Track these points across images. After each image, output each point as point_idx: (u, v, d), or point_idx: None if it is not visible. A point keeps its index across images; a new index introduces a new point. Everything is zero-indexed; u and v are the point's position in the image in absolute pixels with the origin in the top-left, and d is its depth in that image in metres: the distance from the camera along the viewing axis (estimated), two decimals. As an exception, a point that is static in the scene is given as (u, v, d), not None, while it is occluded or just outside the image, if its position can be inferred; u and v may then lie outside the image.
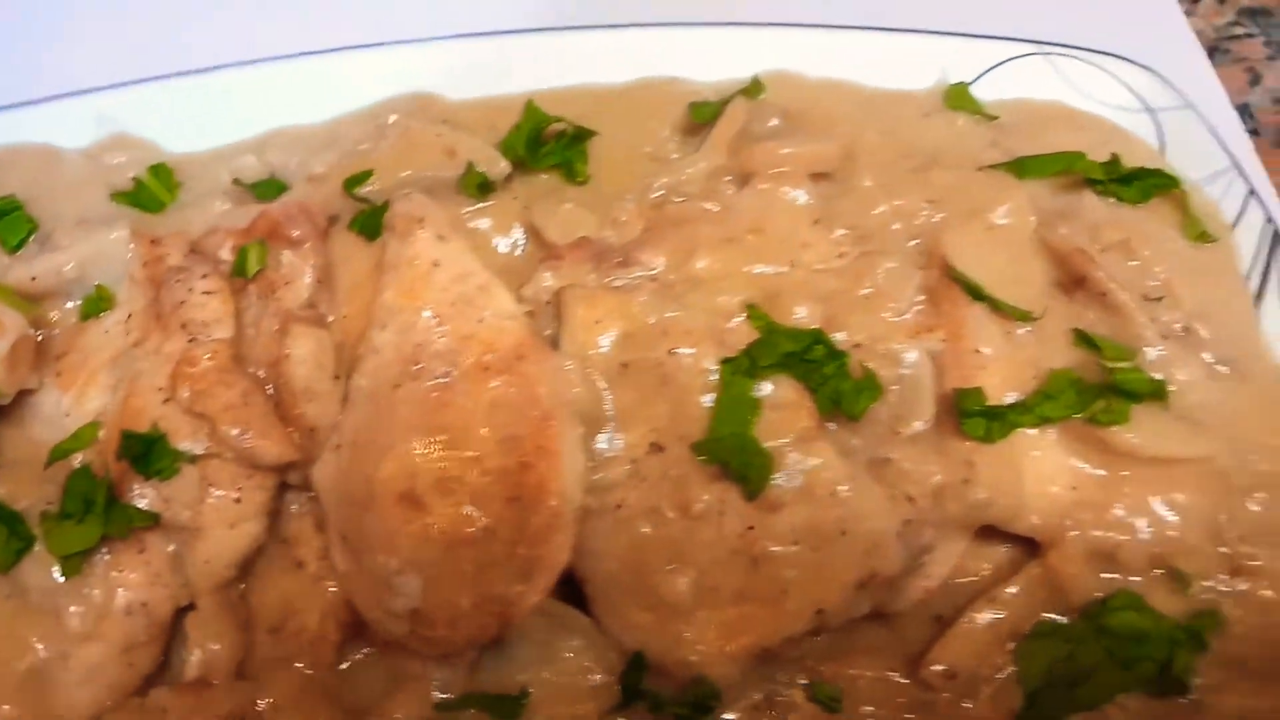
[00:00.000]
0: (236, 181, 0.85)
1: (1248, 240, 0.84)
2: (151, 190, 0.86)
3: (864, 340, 0.71)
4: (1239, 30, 1.13)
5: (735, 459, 0.66)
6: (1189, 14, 1.13)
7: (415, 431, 0.65)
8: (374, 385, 0.68)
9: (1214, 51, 1.11)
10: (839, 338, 0.71)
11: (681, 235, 0.76)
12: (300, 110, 0.90)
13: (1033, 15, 1.01)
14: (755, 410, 0.67)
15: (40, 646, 0.66)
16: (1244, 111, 1.07)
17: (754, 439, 0.66)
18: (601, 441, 0.68)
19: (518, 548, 0.63)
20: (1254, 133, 1.06)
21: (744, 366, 0.67)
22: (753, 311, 0.70)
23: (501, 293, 0.69)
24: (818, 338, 0.68)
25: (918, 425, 0.70)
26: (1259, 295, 0.83)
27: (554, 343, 0.71)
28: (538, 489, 0.64)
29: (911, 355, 0.71)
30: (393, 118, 0.88)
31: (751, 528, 0.67)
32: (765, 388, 0.68)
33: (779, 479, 0.66)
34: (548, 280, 0.74)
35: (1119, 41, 0.98)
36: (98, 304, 0.79)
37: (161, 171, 0.86)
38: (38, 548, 0.67)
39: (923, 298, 0.74)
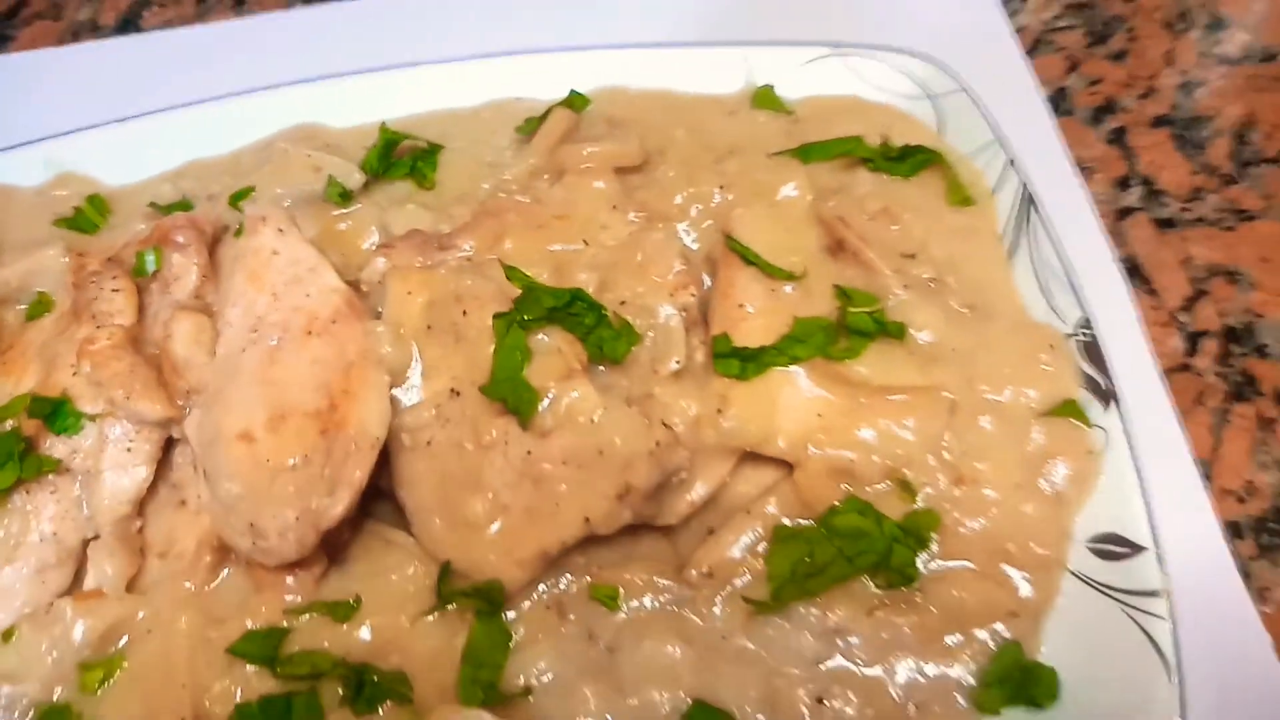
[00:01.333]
0: (153, 204, 1.04)
1: (1006, 203, 0.96)
2: (88, 216, 1.05)
3: (629, 298, 0.85)
4: (1062, 23, 1.24)
5: (510, 396, 0.80)
6: (1017, 11, 1.25)
7: (254, 384, 0.81)
8: (227, 352, 0.84)
9: (1038, 43, 1.23)
10: (610, 298, 0.85)
11: (495, 223, 0.91)
12: (211, 145, 1.09)
13: (857, 19, 1.14)
14: (526, 356, 0.81)
15: (-29, 568, 0.83)
16: (1061, 95, 1.18)
17: (524, 379, 0.80)
18: (412, 391, 0.83)
19: (325, 469, 0.78)
20: (1069, 113, 1.17)
21: (514, 320, 0.81)
22: (511, 272, 0.84)
23: (328, 272, 0.85)
24: (577, 294, 0.82)
25: (673, 364, 0.83)
26: (1013, 250, 0.94)
27: (375, 315, 0.87)
28: (341, 423, 0.79)
29: (667, 309, 0.85)
30: (282, 147, 1.06)
31: (530, 453, 0.80)
32: (541, 338, 0.82)
33: (547, 411, 0.80)
34: (380, 265, 0.90)
35: (942, 39, 1.11)
36: (40, 308, 0.98)
37: (96, 200, 1.06)
38: (-31, 488, 0.84)
39: (680, 263, 0.87)
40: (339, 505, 0.78)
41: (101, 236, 1.04)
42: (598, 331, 0.82)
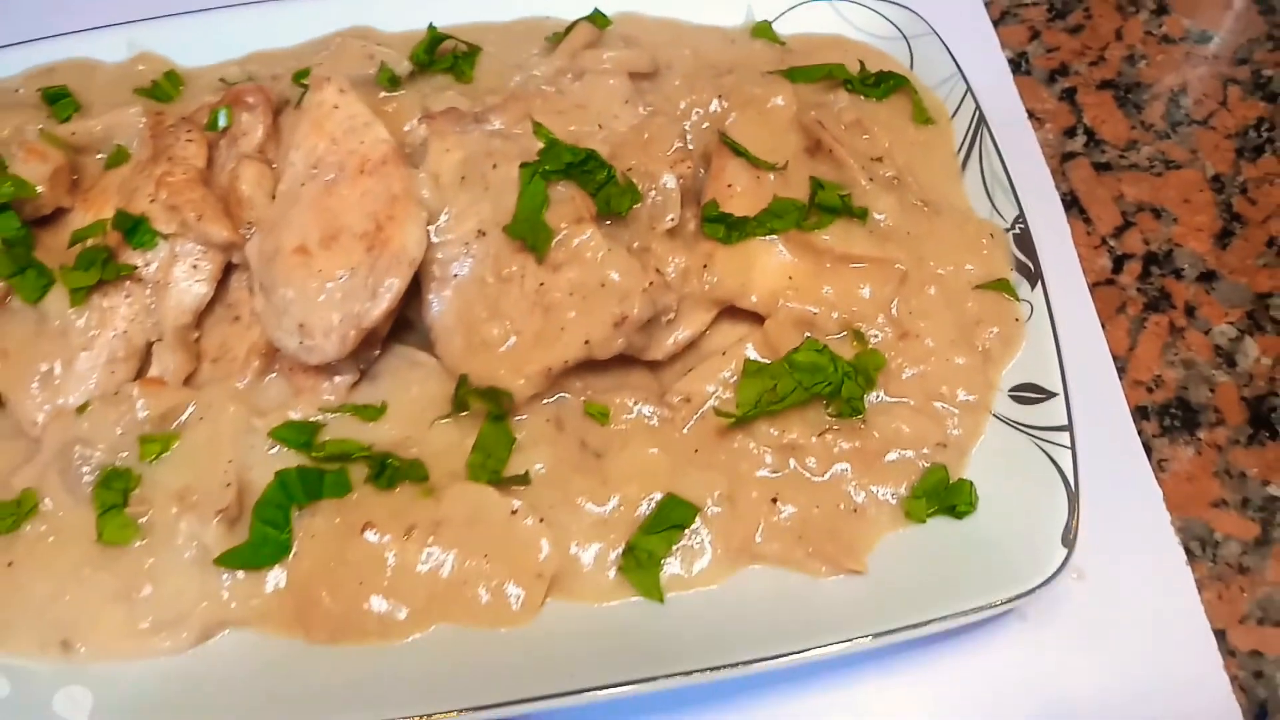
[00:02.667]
0: (222, 80, 1.18)
1: (961, 124, 1.11)
2: (164, 88, 1.19)
3: (635, 165, 1.00)
4: (1027, 0, 1.41)
5: (529, 235, 0.94)
6: (989, -8, 1.42)
7: (311, 210, 0.95)
8: (288, 187, 0.98)
9: (1005, 15, 1.39)
10: (618, 165, 1.00)
11: (522, 105, 1.06)
12: (274, 39, 1.23)
13: None
14: (545, 201, 0.95)
15: (54, 355, 0.96)
16: (1022, 58, 1.34)
17: (542, 220, 0.94)
18: (444, 231, 0.97)
19: (369, 279, 0.92)
20: (1028, 73, 1.33)
21: (537, 169, 0.95)
22: (538, 129, 0.99)
23: (379, 126, 0.99)
24: (591, 154, 0.96)
25: (669, 220, 0.97)
26: (964, 164, 1.09)
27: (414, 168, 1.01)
28: (385, 242, 0.93)
29: (667, 178, 0.99)
30: (337, 41, 1.21)
31: (542, 284, 0.94)
32: (558, 190, 0.96)
33: (559, 248, 0.94)
34: (422, 131, 1.04)
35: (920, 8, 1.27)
36: (118, 158, 1.11)
37: (172, 75, 1.20)
38: (57, 287, 0.97)
39: (679, 143, 1.02)
40: (378, 308, 0.91)
41: (175, 105, 1.18)
42: (606, 188, 0.96)
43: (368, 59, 1.15)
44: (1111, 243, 1.16)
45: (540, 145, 1.00)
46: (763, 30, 1.21)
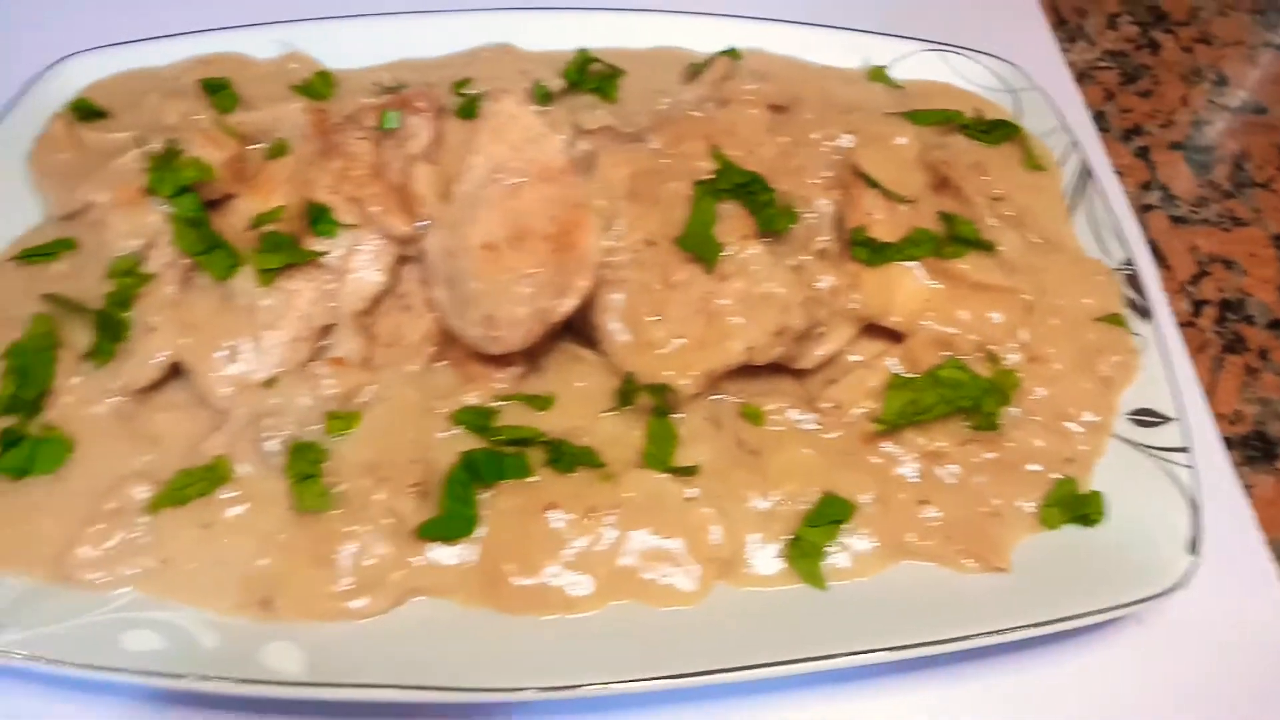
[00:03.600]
0: (376, 84, 1.25)
1: (1069, 173, 1.22)
2: (317, 87, 1.25)
3: (789, 190, 1.08)
4: (1101, 64, 1.53)
5: (699, 248, 1.02)
6: (1068, 50, 1.54)
7: (497, 210, 1.02)
8: (469, 188, 1.04)
9: (1082, 76, 1.51)
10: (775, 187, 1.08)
11: (675, 128, 1.14)
12: (419, 49, 1.30)
13: (947, 26, 1.41)
14: (714, 218, 1.03)
15: (240, 331, 1.01)
16: (1100, 116, 1.46)
17: (712, 235, 1.02)
18: (614, 239, 1.04)
19: (556, 277, 0.99)
20: (1106, 130, 1.45)
21: (709, 188, 1.03)
22: (715, 153, 1.07)
23: (554, 138, 1.06)
24: (756, 178, 1.05)
25: (822, 242, 1.06)
26: (1073, 207, 1.20)
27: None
28: (570, 246, 0.99)
29: (821, 201, 1.08)
30: (486, 55, 1.28)
31: (709, 293, 1.02)
32: (725, 208, 1.04)
33: (726, 262, 1.02)
34: (584, 146, 1.12)
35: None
36: (278, 150, 1.16)
37: (325, 76, 1.26)
38: (244, 267, 1.02)
39: (831, 173, 1.11)
40: (566, 306, 0.98)
41: (329, 104, 1.23)
42: (767, 209, 1.05)
43: (520, 74, 1.22)
44: (1190, 289, 1.28)
45: (702, 167, 1.08)
46: (879, 74, 1.31)
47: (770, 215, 1.05)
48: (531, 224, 1.01)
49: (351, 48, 1.29)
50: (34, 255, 1.08)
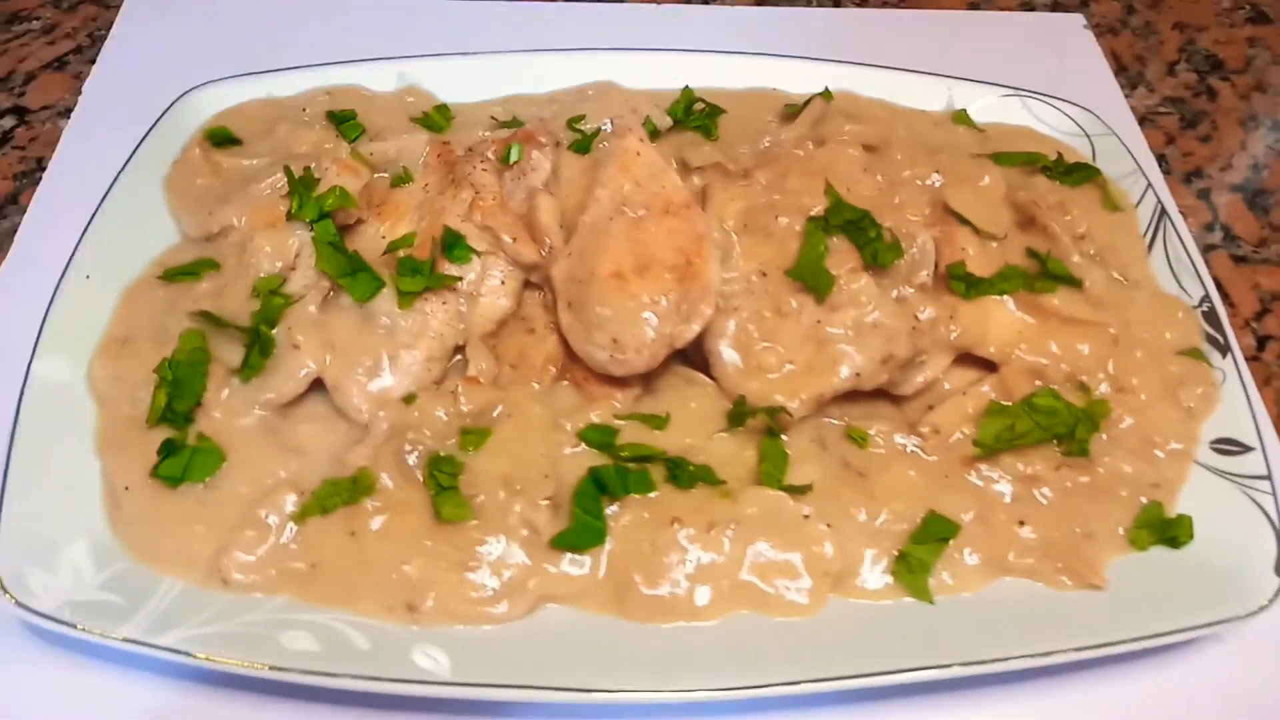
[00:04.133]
0: (493, 118, 1.32)
1: (1144, 214, 1.29)
2: (435, 119, 1.32)
3: (893, 225, 1.15)
4: (1161, 110, 1.61)
5: (811, 279, 1.09)
6: (1128, 96, 1.61)
7: (623, 241, 1.08)
8: (595, 219, 1.11)
9: (1143, 121, 1.58)
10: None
11: (779, 166, 1.21)
12: (528, 85, 1.38)
13: (1017, 71, 1.48)
14: (825, 251, 1.10)
15: (382, 350, 1.07)
16: (1162, 159, 1.53)
17: (824, 268, 1.09)
18: (729, 269, 1.11)
19: (682, 305, 1.05)
20: (1168, 172, 1.52)
21: (821, 224, 1.10)
22: (828, 189, 1.14)
23: (674, 174, 1.13)
24: (866, 214, 1.12)
25: (923, 275, 1.12)
26: (1150, 246, 1.26)
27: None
28: (695, 275, 1.06)
29: (922, 236, 1.15)
30: (591, 92, 1.35)
31: (819, 321, 1.09)
32: (834, 241, 1.11)
33: (837, 293, 1.09)
34: (696, 182, 1.19)
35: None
36: (401, 179, 1.24)
37: (443, 109, 1.33)
38: (386, 289, 1.09)
39: (929, 211, 1.18)
40: (692, 330, 1.05)
41: (448, 135, 1.30)
42: (874, 243, 1.12)
43: (630, 111, 1.29)
44: (1254, 325, 1.34)
45: (808, 203, 1.15)
46: (962, 117, 1.38)
47: (877, 249, 1.11)
48: (656, 254, 1.08)
49: (465, 83, 1.36)
50: (179, 274, 1.14)
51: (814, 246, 1.10)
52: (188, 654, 0.89)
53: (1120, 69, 1.66)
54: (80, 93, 1.48)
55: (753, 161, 1.24)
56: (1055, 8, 1.75)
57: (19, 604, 0.89)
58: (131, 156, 1.23)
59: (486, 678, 0.91)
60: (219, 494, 1.01)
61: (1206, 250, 1.42)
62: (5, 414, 1.03)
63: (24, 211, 1.34)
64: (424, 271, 1.09)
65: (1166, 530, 1.04)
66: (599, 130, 1.24)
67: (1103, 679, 1.01)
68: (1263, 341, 1.32)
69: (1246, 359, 1.29)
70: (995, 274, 1.15)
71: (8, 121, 1.47)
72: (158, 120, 1.27)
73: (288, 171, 1.15)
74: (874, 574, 1.01)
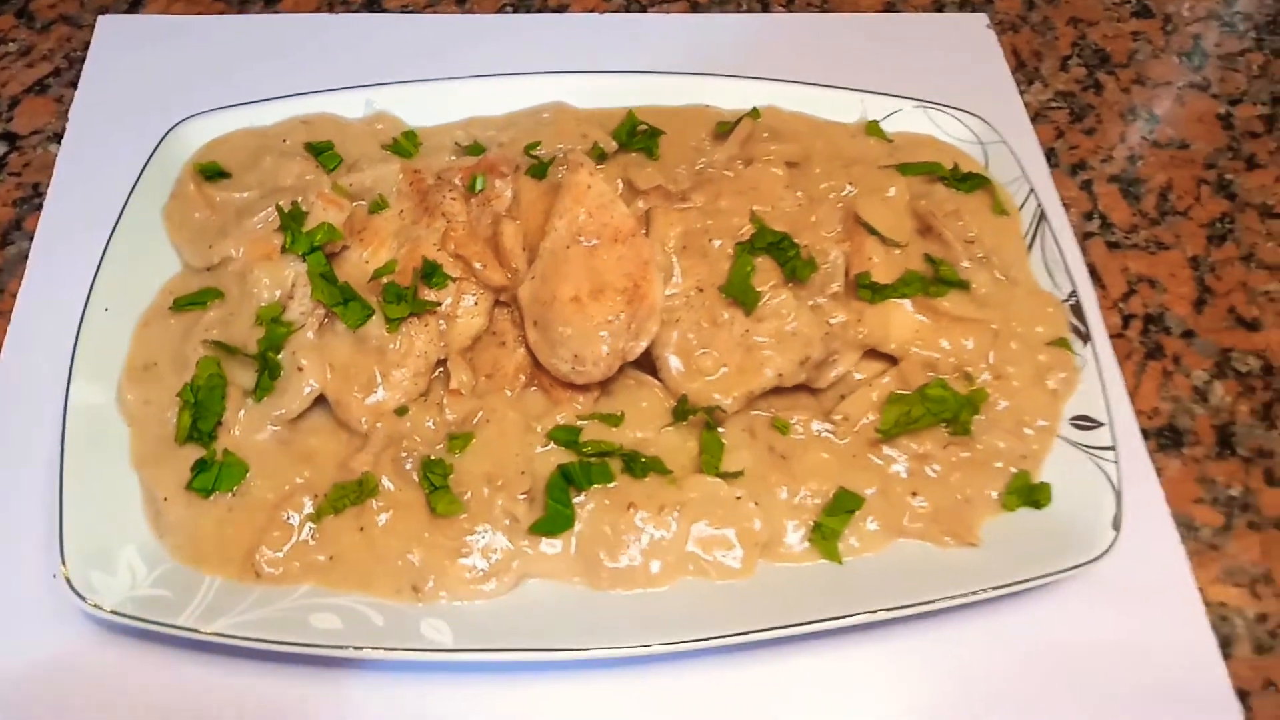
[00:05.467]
0: (457, 144, 1.47)
1: (1027, 216, 1.49)
2: (404, 145, 1.47)
3: (809, 243, 1.34)
4: (1054, 105, 1.80)
5: (740, 295, 1.28)
6: (1024, 92, 1.80)
7: (580, 268, 1.26)
8: (554, 247, 1.29)
9: (1037, 117, 1.78)
10: (798, 241, 1.34)
11: (713, 187, 1.39)
12: (487, 108, 1.53)
13: (924, 95, 1.66)
14: (752, 270, 1.29)
15: (374, 368, 1.25)
16: (1051, 153, 1.73)
17: (751, 285, 1.28)
18: (671, 286, 1.30)
19: (631, 324, 1.24)
20: (1055, 165, 1.72)
21: (748, 247, 1.29)
22: (754, 219, 1.32)
23: (621, 205, 1.31)
24: (786, 237, 1.31)
25: (834, 288, 1.32)
26: (1030, 246, 1.47)
27: (645, 234, 1.33)
28: (641, 298, 1.25)
29: (834, 252, 1.34)
30: (545, 115, 1.51)
31: (747, 331, 1.28)
32: (758, 260, 1.30)
33: (762, 306, 1.28)
34: (640, 205, 1.36)
35: (978, 108, 1.64)
36: (378, 205, 1.39)
37: (410, 135, 1.48)
38: (375, 316, 1.26)
39: (840, 227, 1.38)
40: (641, 345, 1.24)
41: (416, 159, 1.46)
42: (793, 260, 1.31)
43: (581, 136, 1.45)
44: (1121, 305, 1.57)
45: (737, 223, 1.34)
46: (874, 129, 1.56)
47: (796, 266, 1.31)
48: (608, 279, 1.26)
49: (429, 107, 1.50)
50: (188, 304, 1.30)
51: (742, 267, 1.29)
52: (238, 637, 1.08)
53: (1019, 65, 1.84)
54: (64, 116, 1.60)
55: (690, 182, 1.41)
56: (962, 6, 1.92)
57: (93, 604, 1.08)
58: (131, 192, 1.37)
59: (482, 644, 1.11)
60: (246, 500, 1.19)
61: (1086, 238, 1.63)
62: (42, 431, 1.20)
63: (29, 237, 1.47)
64: (407, 298, 1.26)
65: (1031, 495, 1.27)
66: (554, 159, 1.40)
67: (982, 615, 1.25)
68: (1127, 320, 1.55)
69: (1112, 336, 1.53)
70: (897, 280, 1.35)
71: (0, 147, 1.58)
72: (151, 155, 1.40)
73: (279, 210, 1.30)
74: (795, 541, 1.23)
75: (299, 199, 1.34)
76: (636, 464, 1.23)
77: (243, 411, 1.23)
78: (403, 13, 1.79)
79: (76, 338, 1.25)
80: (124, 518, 1.17)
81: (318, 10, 1.78)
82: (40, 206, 1.50)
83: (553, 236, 1.30)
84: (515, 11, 1.81)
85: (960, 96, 1.67)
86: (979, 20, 1.86)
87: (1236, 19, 1.96)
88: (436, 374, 1.29)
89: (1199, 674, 1.24)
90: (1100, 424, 1.31)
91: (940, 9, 1.91)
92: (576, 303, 1.25)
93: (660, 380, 1.30)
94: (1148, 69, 1.87)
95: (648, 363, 1.31)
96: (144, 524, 1.18)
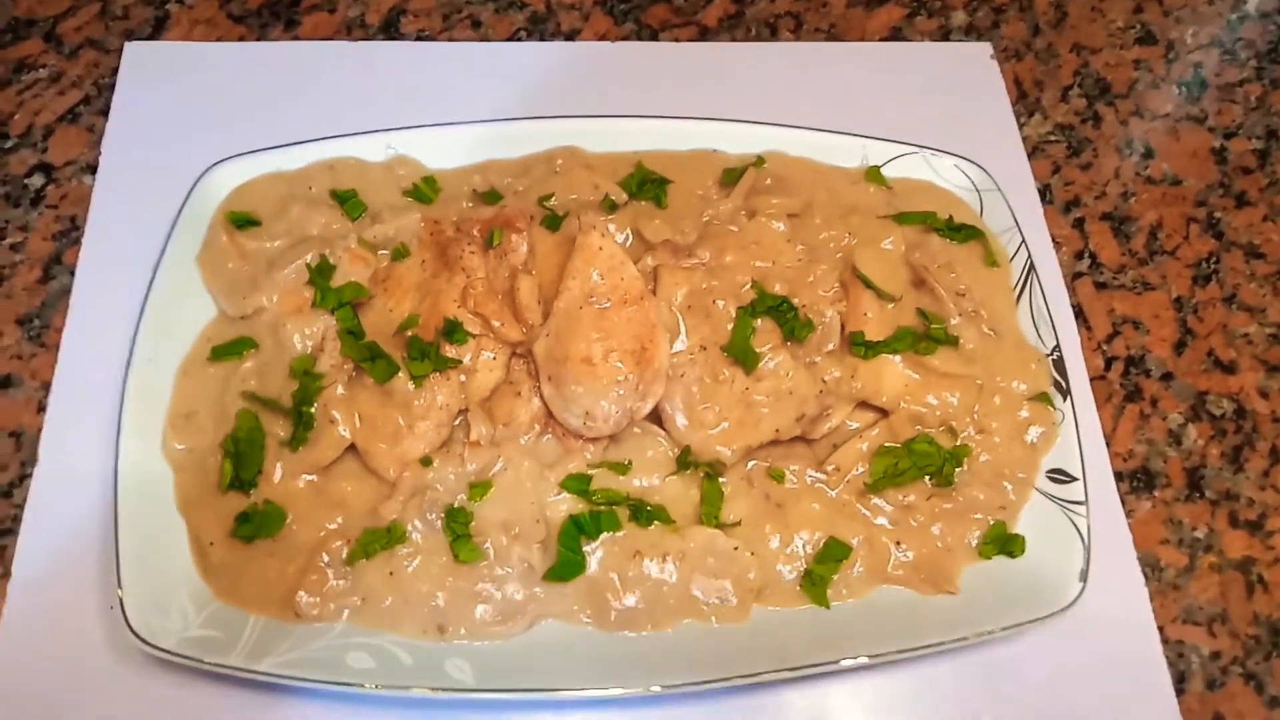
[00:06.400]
0: (474, 190, 1.54)
1: (1017, 268, 1.57)
2: (424, 191, 1.54)
3: (808, 303, 1.42)
4: (1052, 138, 1.85)
5: (741, 356, 1.37)
6: (1024, 124, 1.85)
7: (592, 329, 1.35)
8: (567, 306, 1.37)
9: (1035, 150, 1.83)
10: (795, 301, 1.42)
11: (718, 242, 1.46)
12: (502, 150, 1.59)
13: (927, 128, 1.71)
14: (752, 332, 1.37)
15: (400, 420, 1.35)
16: (1047, 189, 1.80)
17: (751, 347, 1.37)
18: (677, 344, 1.39)
19: (639, 385, 1.33)
20: (1050, 202, 1.78)
21: (749, 311, 1.38)
22: (755, 285, 1.40)
23: (631, 266, 1.38)
24: (785, 300, 1.39)
25: (830, 347, 1.41)
26: (1018, 299, 1.55)
27: (653, 293, 1.41)
28: (649, 360, 1.34)
29: (829, 313, 1.42)
30: (559, 161, 1.57)
31: (747, 389, 1.37)
32: (758, 322, 1.39)
33: (762, 365, 1.37)
34: (649, 261, 1.44)
35: (977, 143, 1.70)
36: (402, 253, 1.47)
37: (429, 180, 1.55)
38: (400, 373, 1.35)
39: (838, 286, 1.45)
40: (648, 405, 1.33)
41: (435, 206, 1.53)
42: (791, 321, 1.39)
43: (593, 187, 1.52)
44: (1104, 347, 1.65)
45: (742, 281, 1.42)
46: (874, 175, 1.62)
47: (793, 326, 1.39)
48: (618, 341, 1.35)
49: (446, 150, 1.56)
50: (225, 354, 1.39)
51: (743, 330, 1.37)
52: (286, 676, 1.20)
53: (1020, 96, 1.89)
54: (97, 146, 1.66)
55: (696, 234, 1.49)
56: (970, 29, 1.96)
57: (155, 647, 1.19)
58: (168, 239, 1.44)
59: (502, 683, 1.23)
60: (285, 545, 1.30)
61: (1075, 278, 1.71)
62: (92, 474, 1.31)
63: (70, 271, 1.55)
64: (430, 355, 1.35)
65: (1006, 545, 1.38)
66: (567, 213, 1.47)
67: (958, 658, 1.37)
68: (1109, 362, 1.64)
69: (1093, 379, 1.61)
70: (890, 336, 1.44)
71: (37, 180, 1.64)
72: (184, 203, 1.47)
73: (309, 268, 1.39)
74: (787, 587, 1.34)
75: (326, 251, 1.42)
76: (642, 513, 1.34)
77: (280, 462, 1.33)
78: (419, 39, 1.83)
79: (123, 390, 1.34)
80: (175, 562, 1.28)
81: (335, 34, 1.83)
82: (78, 240, 1.57)
83: (566, 296, 1.38)
84: (528, 37, 1.85)
85: (959, 131, 1.74)
86: (983, 50, 1.90)
87: (1239, 46, 1.99)
88: (458, 421, 1.39)
89: (1153, 708, 1.36)
90: (1074, 479, 1.41)
91: (947, 35, 1.95)
92: (588, 363, 1.34)
93: (665, 430, 1.40)
94: (1147, 100, 1.91)
95: (655, 415, 1.40)
96: (191, 567, 1.29)
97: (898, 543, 1.37)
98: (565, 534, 1.31)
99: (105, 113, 1.70)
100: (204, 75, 1.73)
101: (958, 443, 1.42)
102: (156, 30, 1.81)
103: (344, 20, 1.84)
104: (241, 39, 1.81)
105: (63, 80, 1.74)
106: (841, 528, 1.37)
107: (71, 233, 1.60)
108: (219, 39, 1.80)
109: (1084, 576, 1.34)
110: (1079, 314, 1.67)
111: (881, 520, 1.39)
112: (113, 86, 1.72)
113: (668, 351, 1.35)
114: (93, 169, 1.64)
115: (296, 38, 1.81)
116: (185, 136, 1.65)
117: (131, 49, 1.75)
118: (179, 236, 1.46)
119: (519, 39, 1.85)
